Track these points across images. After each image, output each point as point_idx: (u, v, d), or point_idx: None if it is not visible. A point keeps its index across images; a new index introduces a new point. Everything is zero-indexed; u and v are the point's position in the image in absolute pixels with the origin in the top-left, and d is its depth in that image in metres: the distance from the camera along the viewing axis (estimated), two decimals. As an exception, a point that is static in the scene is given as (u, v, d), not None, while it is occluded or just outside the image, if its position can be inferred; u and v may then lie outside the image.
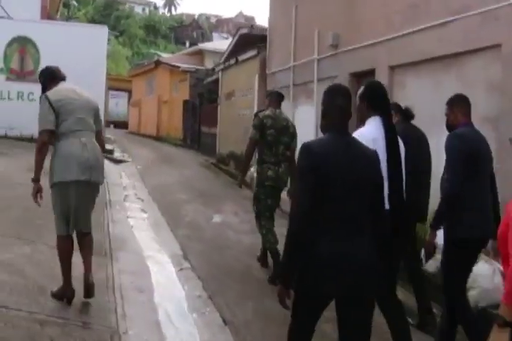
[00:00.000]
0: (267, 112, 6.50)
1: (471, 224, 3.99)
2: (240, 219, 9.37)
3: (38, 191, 4.48)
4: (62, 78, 4.86)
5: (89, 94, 4.86)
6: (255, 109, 14.12)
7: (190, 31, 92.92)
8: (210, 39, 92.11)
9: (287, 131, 6.49)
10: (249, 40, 19.56)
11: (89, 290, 4.57)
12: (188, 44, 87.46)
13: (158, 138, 28.01)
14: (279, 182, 6.41)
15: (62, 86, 4.75)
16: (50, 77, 4.85)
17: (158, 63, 28.90)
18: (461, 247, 4.02)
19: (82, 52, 15.48)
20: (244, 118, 14.58)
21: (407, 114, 5.27)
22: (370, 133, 3.67)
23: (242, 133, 12.75)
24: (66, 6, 31.52)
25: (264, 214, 6.41)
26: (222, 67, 18.25)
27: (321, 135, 3.21)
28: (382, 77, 8.13)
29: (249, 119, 14.63)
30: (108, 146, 16.74)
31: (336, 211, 2.89)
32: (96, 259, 6.15)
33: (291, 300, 2.94)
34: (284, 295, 2.89)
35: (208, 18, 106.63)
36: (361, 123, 3.92)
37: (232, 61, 16.73)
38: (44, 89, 4.80)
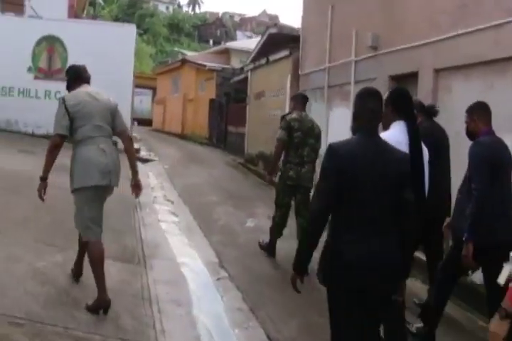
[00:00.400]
0: (294, 115, 6.81)
1: (495, 229, 4.07)
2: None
3: (43, 188, 4.56)
4: (87, 79, 4.85)
5: (108, 96, 4.80)
6: (287, 110, 13.85)
7: (213, 29, 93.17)
8: (233, 37, 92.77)
9: (313, 132, 6.84)
10: (278, 39, 19.34)
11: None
12: (211, 42, 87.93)
13: (182, 136, 27.82)
14: (300, 181, 6.74)
15: (82, 89, 4.71)
16: (75, 77, 4.84)
17: (184, 62, 28.74)
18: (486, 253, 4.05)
19: (109, 51, 15.31)
20: (275, 118, 14.25)
21: (430, 112, 5.35)
22: (393, 136, 3.66)
23: (272, 133, 12.46)
24: (91, 4, 31.39)
25: (281, 209, 6.92)
26: (251, 66, 17.96)
27: None
28: (426, 80, 7.81)
29: (279, 120, 14.45)
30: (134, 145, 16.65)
31: (363, 211, 2.95)
32: (130, 267, 5.97)
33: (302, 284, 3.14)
34: (296, 280, 3.12)
35: (231, 16, 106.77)
36: (385, 128, 3.95)
37: (263, 61, 16.45)
38: (68, 88, 4.86)
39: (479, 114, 4.30)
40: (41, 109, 15.11)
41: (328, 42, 11.64)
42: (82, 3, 26.89)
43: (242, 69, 20.02)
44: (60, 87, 15.77)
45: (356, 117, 3.16)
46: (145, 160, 15.76)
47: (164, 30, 78.97)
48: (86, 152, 4.46)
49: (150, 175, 13.31)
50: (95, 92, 4.71)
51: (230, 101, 22.55)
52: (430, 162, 3.98)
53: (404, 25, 8.67)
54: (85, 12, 29.29)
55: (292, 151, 6.71)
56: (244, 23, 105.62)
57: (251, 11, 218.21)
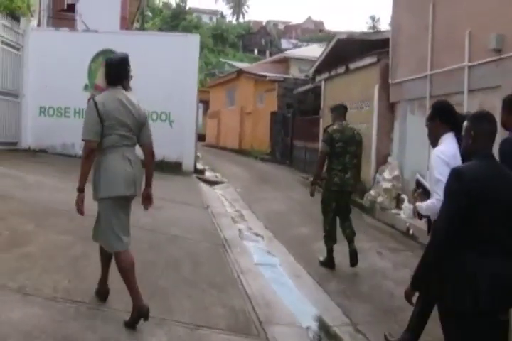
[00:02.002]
0: (335, 126, 7.32)
1: None
2: (391, 262, 7.70)
3: (81, 200, 4.36)
4: (117, 81, 4.51)
5: (139, 103, 4.57)
6: (375, 124, 12.39)
7: (258, 39, 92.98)
8: (278, 46, 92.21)
9: (354, 140, 7.33)
10: (348, 46, 17.94)
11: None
12: (256, 51, 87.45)
13: (240, 151, 26.57)
14: (345, 187, 7.27)
15: (114, 94, 4.45)
16: (113, 78, 4.53)
17: (240, 73, 27.47)
18: None
19: (172, 63, 14.23)
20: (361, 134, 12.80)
21: None
22: (449, 149, 3.84)
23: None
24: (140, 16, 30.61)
25: (328, 215, 7.38)
26: (325, 76, 16.48)
27: None
28: None
29: (366, 134, 12.88)
30: (198, 166, 15.35)
31: (490, 232, 2.97)
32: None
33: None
34: (412, 295, 3.22)
35: (275, 24, 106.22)
36: (433, 142, 4.08)
37: (341, 69, 14.96)
38: (109, 82, 4.55)
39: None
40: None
41: (429, 46, 10.14)
42: (131, 16, 26.13)
43: (313, 78, 18.50)
44: (120, 105, 14.79)
45: (475, 139, 3.14)
46: (213, 183, 14.45)
47: (210, 41, 78.32)
48: (111, 161, 4.34)
49: (224, 202, 11.99)
50: (127, 99, 4.46)
51: (296, 114, 21.11)
52: None
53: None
54: (134, 25, 28.53)
55: (335, 159, 7.24)
56: (288, 31, 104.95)
57: (295, 18, 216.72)
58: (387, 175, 11.66)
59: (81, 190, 4.34)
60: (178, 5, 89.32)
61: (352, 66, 14.07)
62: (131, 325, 4.23)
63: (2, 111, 13.05)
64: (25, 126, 14.24)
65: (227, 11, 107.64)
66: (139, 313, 4.22)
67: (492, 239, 2.96)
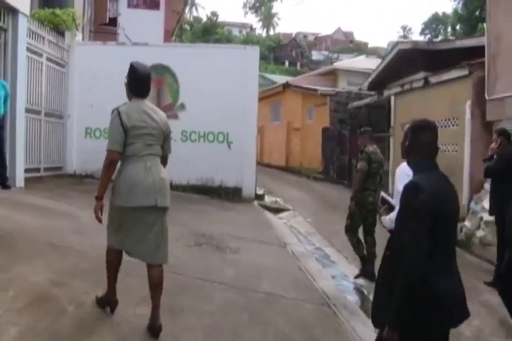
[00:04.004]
0: (371, 149, 7.78)
1: None
2: None
3: (100, 209, 4.28)
4: (145, 93, 4.56)
5: (164, 115, 4.61)
6: (467, 145, 10.85)
7: (289, 50, 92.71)
8: (309, 57, 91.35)
9: (383, 163, 8.01)
10: (409, 56, 16.59)
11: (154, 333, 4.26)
12: (287, 63, 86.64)
13: (287, 169, 25.08)
14: (376, 206, 7.27)
15: (138, 105, 4.45)
16: (136, 87, 4.54)
17: (286, 86, 26.02)
18: None
19: (230, 78, 12.90)
20: (447, 156, 11.27)
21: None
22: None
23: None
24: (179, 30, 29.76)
25: (355, 232, 7.91)
26: (397, 90, 14.93)
27: None
28: None
29: (454, 156, 11.34)
30: (259, 191, 13.90)
31: (445, 245, 2.98)
32: None
33: None
34: (395, 338, 2.87)
35: (305, 36, 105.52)
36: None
37: (417, 83, 13.41)
38: (128, 93, 4.56)
39: None
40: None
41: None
42: (172, 29, 25.19)
43: (380, 93, 16.96)
44: (171, 125, 13.24)
45: (417, 151, 3.15)
46: (277, 210, 12.92)
47: (241, 54, 77.57)
48: (132, 170, 4.32)
49: (299, 236, 10.49)
50: (152, 109, 4.50)
51: (353, 131, 19.62)
52: None
53: None
54: (173, 38, 27.54)
55: (370, 179, 7.67)
56: (318, 42, 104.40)
57: (324, 29, 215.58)
58: (487, 204, 10.07)
59: (98, 198, 4.29)
60: (209, 18, 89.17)
61: (433, 80, 12.47)
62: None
63: (46, 133, 11.87)
64: (70, 149, 13.03)
65: (256, 23, 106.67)
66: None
67: (448, 250, 3.02)
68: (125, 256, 4.54)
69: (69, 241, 6.64)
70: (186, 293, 5.60)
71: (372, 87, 20.31)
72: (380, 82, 19.20)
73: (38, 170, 11.56)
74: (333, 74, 25.90)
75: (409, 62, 16.40)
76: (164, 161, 4.63)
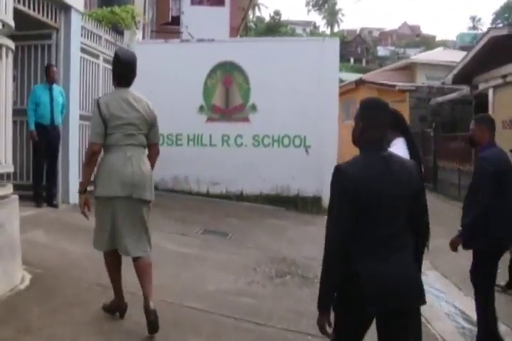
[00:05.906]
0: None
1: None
2: None
3: (84, 203, 4.30)
4: (128, 81, 4.42)
5: (148, 103, 4.46)
6: None
7: (354, 47, 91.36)
8: (375, 53, 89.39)
9: None
10: (505, 43, 14.70)
11: (152, 322, 4.03)
12: (352, 60, 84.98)
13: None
14: None
15: (120, 95, 4.37)
16: (119, 76, 4.42)
17: (359, 83, 24.45)
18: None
19: (307, 75, 11.58)
20: None
21: None
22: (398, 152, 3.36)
23: None
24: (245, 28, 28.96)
25: None
26: (498, 82, 13.18)
27: None
28: None
29: None
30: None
31: (378, 231, 2.80)
32: None
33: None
34: (325, 322, 2.78)
35: (370, 32, 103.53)
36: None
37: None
38: (113, 81, 4.51)
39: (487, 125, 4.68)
40: (218, 160, 11.62)
41: None
42: (238, 26, 24.30)
43: (473, 87, 15.25)
44: (241, 129, 12.28)
45: (363, 130, 2.93)
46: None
47: (307, 52, 76.57)
48: (111, 159, 4.27)
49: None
50: (135, 98, 4.38)
51: (439, 130, 17.96)
52: None
53: None
54: (239, 36, 26.63)
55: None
56: (384, 38, 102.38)
57: (389, 24, 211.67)
58: None
59: (81, 191, 4.31)
60: (272, 18, 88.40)
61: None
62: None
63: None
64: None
65: (319, 21, 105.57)
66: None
67: (383, 236, 2.80)
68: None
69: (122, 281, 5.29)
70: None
71: (457, 80, 18.57)
72: (467, 74, 17.42)
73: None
74: (409, 69, 24.22)
75: (504, 50, 14.63)
76: (155, 150, 4.58)
